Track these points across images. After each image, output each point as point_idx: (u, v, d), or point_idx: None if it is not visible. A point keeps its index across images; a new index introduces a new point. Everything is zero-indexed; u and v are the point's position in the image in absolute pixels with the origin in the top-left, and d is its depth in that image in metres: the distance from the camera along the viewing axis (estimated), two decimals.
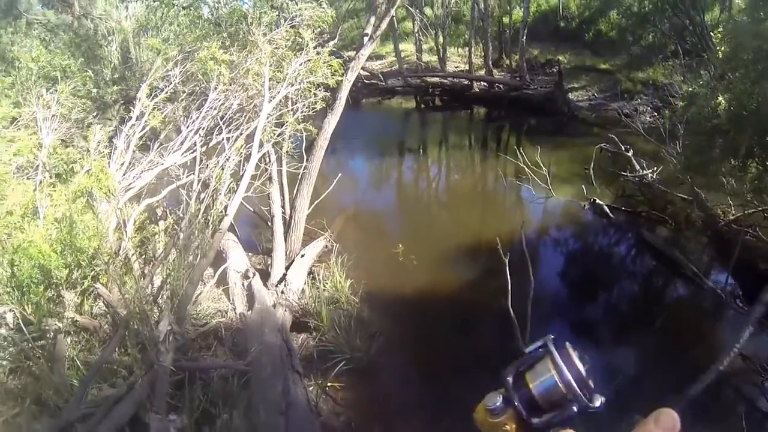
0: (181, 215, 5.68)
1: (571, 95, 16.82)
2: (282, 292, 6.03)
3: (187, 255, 5.00)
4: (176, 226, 5.60)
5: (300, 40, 7.36)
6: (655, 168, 9.51)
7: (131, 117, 6.60)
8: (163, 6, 10.46)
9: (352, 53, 9.07)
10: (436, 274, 7.21)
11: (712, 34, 10.95)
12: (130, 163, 6.31)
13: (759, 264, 7.05)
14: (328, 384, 5.05)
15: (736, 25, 5.81)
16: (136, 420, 4.00)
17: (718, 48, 6.59)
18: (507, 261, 5.74)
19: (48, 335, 4.40)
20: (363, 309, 6.11)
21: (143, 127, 6.60)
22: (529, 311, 5.40)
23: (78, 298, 4.83)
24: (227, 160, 5.97)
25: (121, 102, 10.13)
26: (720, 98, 5.76)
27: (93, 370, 4.13)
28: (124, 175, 6.14)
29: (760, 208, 7.05)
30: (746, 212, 7.48)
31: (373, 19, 7.65)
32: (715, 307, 6.78)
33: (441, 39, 19.80)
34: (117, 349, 4.48)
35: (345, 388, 5.10)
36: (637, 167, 9.78)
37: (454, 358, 5.69)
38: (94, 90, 9.65)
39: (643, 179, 9.52)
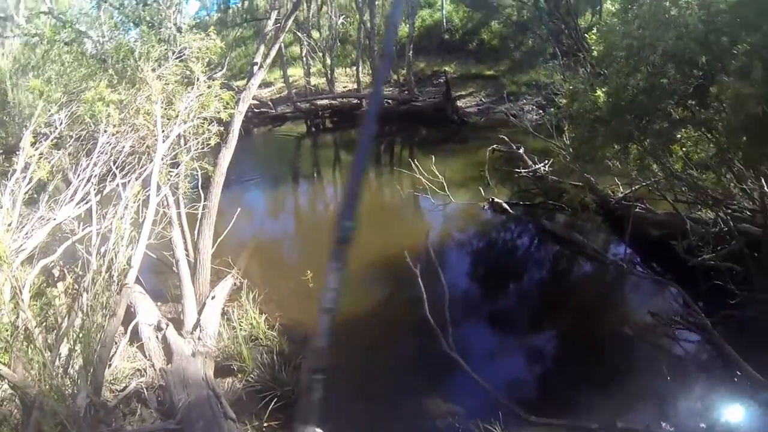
0: (81, 273, 5.26)
1: (459, 103, 17.77)
2: (199, 339, 5.82)
3: (94, 317, 4.65)
4: (77, 286, 5.18)
5: (189, 74, 7.14)
6: (547, 161, 10.29)
7: (15, 170, 6.00)
8: (44, 43, 9.62)
9: (241, 83, 8.95)
10: (350, 295, 7.21)
11: (586, 35, 11.93)
12: (19, 222, 5.75)
13: (651, 232, 7.90)
14: (265, 425, 4.93)
15: (608, 26, 6.47)
16: None
17: (593, 48, 7.27)
18: (418, 272, 5.98)
19: None
20: (282, 342, 6.04)
21: (29, 180, 6.03)
22: (447, 315, 5.64)
23: None
24: (125, 208, 5.61)
25: (1, 152, 9.16)
26: (599, 92, 6.34)
27: None
28: (12, 236, 5.58)
29: (644, 183, 7.83)
30: (634, 189, 8.36)
31: (262, 48, 7.59)
32: (619, 277, 7.49)
33: (329, 61, 20.03)
34: None
35: (282, 426, 4.98)
36: (530, 163, 10.52)
37: (381, 372, 5.81)
38: None
39: (536, 173, 10.25)
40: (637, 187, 8.21)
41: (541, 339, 6.62)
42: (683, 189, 7.00)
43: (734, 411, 4.93)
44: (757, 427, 4.71)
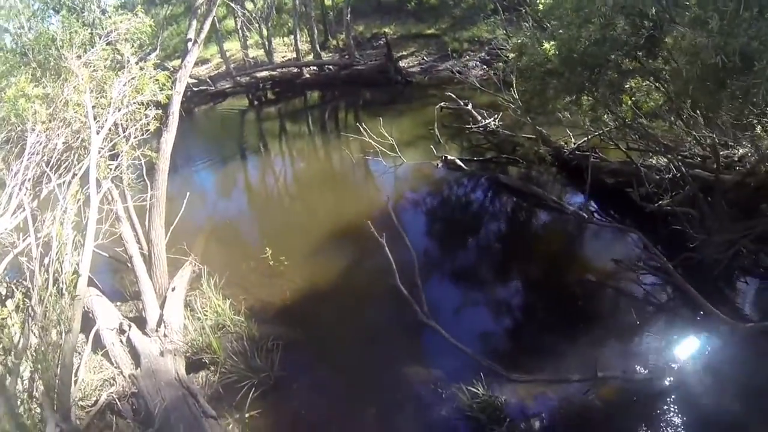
0: (30, 287, 4.91)
1: (402, 63, 17.47)
2: (165, 335, 5.63)
3: (48, 336, 4.35)
4: (26, 302, 4.83)
5: (119, 57, 6.67)
6: (496, 116, 10.26)
7: None
8: None
9: (177, 62, 8.40)
10: (310, 268, 7.16)
11: None
12: None
13: (606, 180, 8.06)
14: (247, 416, 4.85)
15: None
16: None
17: (539, 2, 7.22)
18: (384, 241, 5.90)
19: None
20: (251, 326, 5.92)
21: None
22: (419, 282, 5.70)
23: None
24: (64, 211, 5.22)
25: None
26: (546, 45, 6.30)
27: None
28: None
29: (597, 133, 7.95)
30: (587, 138, 8.48)
31: (194, 23, 7.09)
32: (579, 227, 7.65)
33: (265, 31, 19.31)
34: None
35: (265, 413, 4.93)
36: (479, 118, 10.48)
37: (355, 344, 5.81)
38: None
39: (487, 128, 10.24)
40: (590, 136, 8.30)
41: (512, 294, 6.74)
42: (635, 137, 7.15)
43: (699, 346, 5.21)
44: (720, 358, 4.98)
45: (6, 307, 5.31)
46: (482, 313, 6.37)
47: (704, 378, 4.81)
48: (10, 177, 5.69)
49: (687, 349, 5.20)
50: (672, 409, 4.56)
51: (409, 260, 6.23)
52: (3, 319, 5.19)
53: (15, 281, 5.90)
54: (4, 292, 5.81)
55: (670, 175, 6.77)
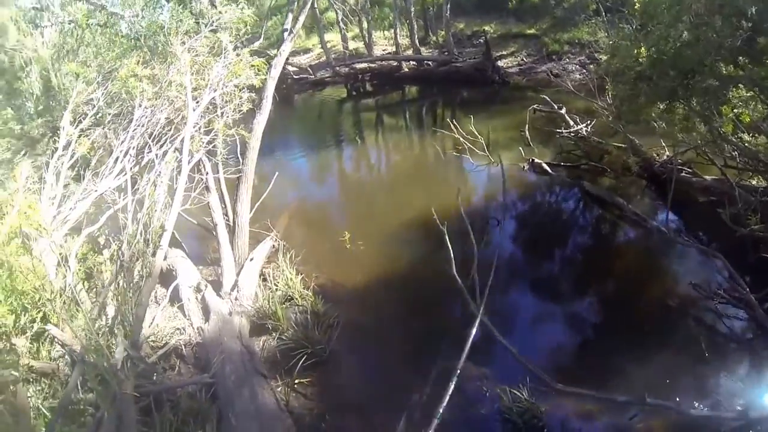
0: (123, 240, 5.58)
1: (500, 63, 17.16)
2: (236, 299, 6.03)
3: (131, 278, 4.93)
4: (119, 252, 5.50)
5: (221, 44, 7.26)
6: (589, 122, 9.90)
7: (57, 148, 6.40)
8: (79, 27, 10.04)
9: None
10: (385, 255, 7.31)
11: None
12: (64, 196, 6.13)
13: (697, 198, 7.46)
14: (296, 381, 5.10)
15: None
16: None
17: (636, 0, 6.89)
18: (445, 230, 5.92)
19: (7, 388, 4.28)
20: (317, 302, 6.17)
21: (72, 157, 6.40)
22: (476, 275, 5.55)
23: (31, 344, 4.71)
24: (158, 175, 5.87)
25: (50, 134, 9.72)
26: (642, 47, 6.01)
27: (57, 414, 4.04)
28: (58, 208, 5.97)
29: (691, 146, 7.32)
30: (679, 152, 7.80)
31: (291, 14, 7.60)
32: (661, 244, 7.05)
33: (365, 24, 19.86)
34: (79, 388, 4.40)
35: (312, 382, 5.16)
36: (571, 123, 10.14)
37: (413, 333, 5.84)
38: (18, 127, 9.21)
39: (578, 134, 9.89)
40: (683, 150, 7.68)
41: (576, 305, 6.44)
42: (733, 153, 6.55)
43: None
44: None
45: (103, 255, 6.09)
46: (540, 318, 6.19)
47: None
48: (117, 145, 6.50)
49: (757, 393, 4.65)
50: None
51: (473, 255, 6.21)
52: (99, 264, 5.95)
53: (113, 235, 6.66)
54: (102, 243, 6.61)
55: (767, 198, 6.15)
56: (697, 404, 4.48)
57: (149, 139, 6.61)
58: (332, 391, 5.13)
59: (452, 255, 5.70)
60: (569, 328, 6.04)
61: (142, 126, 6.65)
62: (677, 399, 4.48)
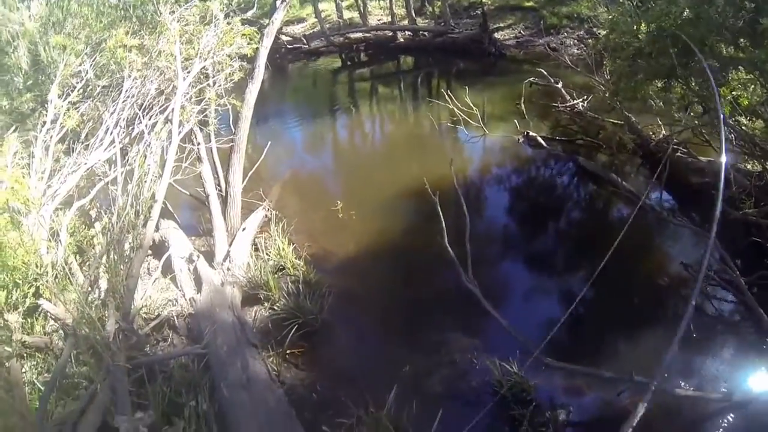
0: (113, 212, 5.55)
1: (497, 35, 16.86)
2: (228, 269, 6.03)
3: (121, 249, 4.92)
4: (110, 224, 5.48)
5: (212, 13, 7.12)
6: (586, 97, 9.80)
7: (45, 122, 6.31)
8: None
9: None
10: (377, 224, 7.31)
11: None
12: (54, 170, 6.07)
13: (691, 178, 7.38)
14: (287, 351, 5.14)
15: None
16: (106, 427, 4.00)
17: None
18: (437, 201, 5.89)
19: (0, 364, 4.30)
20: (309, 271, 6.19)
21: (61, 130, 6.32)
22: (468, 246, 5.54)
23: (24, 320, 4.72)
24: (148, 146, 5.81)
25: (39, 109, 9.57)
26: (642, 23, 5.89)
27: (49, 386, 4.08)
28: (48, 182, 5.92)
29: (687, 127, 7.20)
30: (674, 131, 7.72)
31: None
32: (653, 223, 7.02)
33: None
34: (73, 361, 4.44)
35: (304, 352, 5.20)
36: (568, 98, 10.06)
37: (404, 302, 5.89)
38: (6, 103, 9.04)
39: (574, 108, 9.81)
40: (679, 129, 7.56)
41: (568, 279, 6.45)
42: (730, 137, 6.48)
43: (759, 378, 4.67)
44: None
45: (95, 228, 6.07)
46: (533, 293, 6.21)
47: (756, 412, 4.28)
48: (107, 117, 6.41)
49: (743, 376, 4.68)
50: None
51: (466, 225, 6.20)
52: (91, 237, 5.93)
53: (104, 208, 6.63)
54: (94, 216, 6.58)
55: (762, 182, 6.07)
56: (683, 384, 4.56)
57: (139, 110, 6.52)
58: (324, 361, 5.17)
59: (444, 225, 5.68)
60: (560, 303, 6.04)
61: (132, 97, 6.55)
62: (664, 378, 4.48)
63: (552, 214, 7.91)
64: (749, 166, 6.77)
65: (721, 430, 4.24)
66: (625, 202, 7.59)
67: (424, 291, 6.07)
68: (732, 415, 4.30)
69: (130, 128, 6.56)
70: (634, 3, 8.26)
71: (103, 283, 5.20)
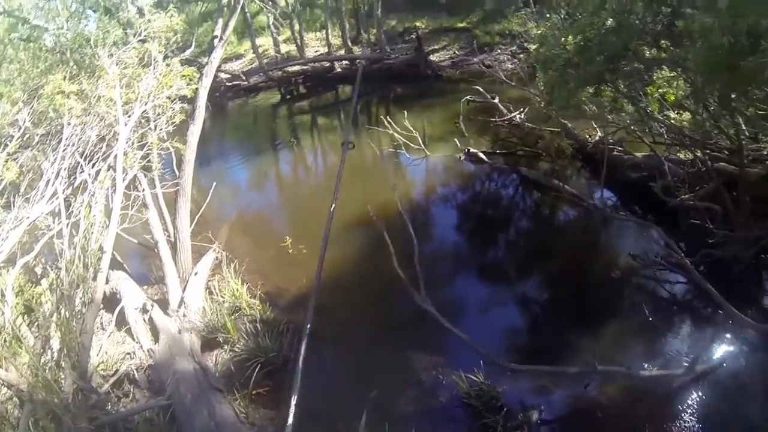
0: (61, 267, 5.36)
1: (432, 57, 17.33)
2: (184, 316, 5.94)
3: (72, 305, 4.75)
4: (58, 280, 5.28)
5: (150, 54, 7.04)
6: (522, 109, 10.20)
7: None
8: (0, 43, 9.43)
9: None
10: (328, 256, 7.14)
11: None
12: None
13: (629, 175, 7.83)
14: (253, 392, 5.08)
15: None
16: None
17: None
18: (384, 227, 6.13)
19: None
20: (265, 309, 6.20)
21: None
22: (418, 267, 5.75)
23: None
24: (92, 195, 5.66)
25: None
26: (569, 35, 6.23)
27: None
28: None
29: (621, 126, 7.64)
30: (608, 132, 8.17)
31: (221, 20, 7.44)
32: (599, 221, 7.46)
33: (297, 26, 19.54)
34: (31, 429, 4.19)
35: (269, 391, 5.17)
36: (505, 111, 10.43)
37: (363, 329, 5.96)
38: None
39: (512, 121, 10.19)
40: (613, 130, 8.04)
41: (523, 286, 6.68)
42: (661, 130, 6.93)
43: (715, 349, 5.00)
44: (738, 364, 4.78)
45: (41, 285, 5.83)
46: (491, 303, 6.38)
47: (717, 380, 4.65)
48: (48, 167, 6.20)
49: (701, 349, 5.02)
50: (678, 410, 4.43)
51: (420, 248, 6.31)
52: (39, 295, 5.69)
53: (50, 263, 6.38)
54: (40, 272, 6.32)
55: (694, 169, 6.55)
56: (646, 365, 4.84)
57: (81, 158, 6.31)
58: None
59: (393, 250, 5.82)
60: (518, 310, 6.29)
61: (73, 145, 6.33)
62: (627, 363, 4.81)
63: (499, 226, 8.19)
64: (681, 155, 7.21)
65: (689, 401, 4.52)
66: (569, 205, 7.96)
67: (382, 315, 6.15)
68: (697, 385, 4.60)
69: (72, 178, 6.34)
70: (561, 17, 8.76)
71: (56, 343, 4.97)
